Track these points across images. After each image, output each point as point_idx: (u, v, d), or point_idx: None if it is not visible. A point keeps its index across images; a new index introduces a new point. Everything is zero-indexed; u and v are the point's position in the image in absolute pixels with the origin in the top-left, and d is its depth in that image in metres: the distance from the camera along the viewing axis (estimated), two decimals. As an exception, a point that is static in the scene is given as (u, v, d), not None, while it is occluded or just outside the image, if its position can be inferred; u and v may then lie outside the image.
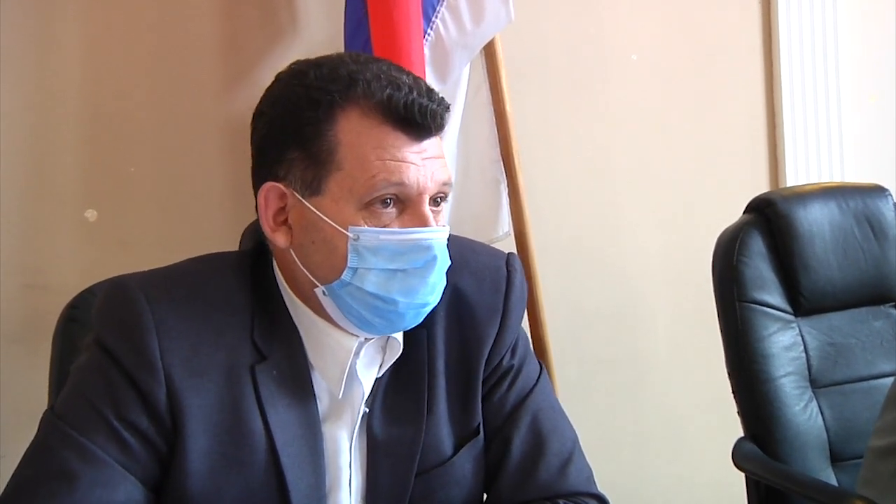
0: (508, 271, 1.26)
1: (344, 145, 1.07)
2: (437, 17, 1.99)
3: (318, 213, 1.08)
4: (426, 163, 1.09)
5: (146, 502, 1.07)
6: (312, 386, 1.14)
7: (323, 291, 1.10)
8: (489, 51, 2.09)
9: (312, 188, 1.09)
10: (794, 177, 2.46)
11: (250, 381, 1.11)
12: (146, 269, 1.18)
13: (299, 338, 1.15)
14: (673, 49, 2.41)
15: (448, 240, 1.24)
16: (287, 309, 1.15)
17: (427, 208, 1.10)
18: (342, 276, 1.08)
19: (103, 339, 1.09)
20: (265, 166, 1.13)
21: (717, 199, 2.39)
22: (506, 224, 2.13)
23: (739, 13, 2.46)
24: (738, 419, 1.82)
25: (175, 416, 1.07)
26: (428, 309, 1.13)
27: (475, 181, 2.14)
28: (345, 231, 1.07)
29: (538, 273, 2.13)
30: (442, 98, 1.12)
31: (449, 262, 1.14)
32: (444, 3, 1.99)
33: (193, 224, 2.05)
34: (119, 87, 2.03)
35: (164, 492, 1.09)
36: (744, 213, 1.88)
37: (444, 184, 1.12)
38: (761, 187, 2.43)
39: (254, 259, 1.18)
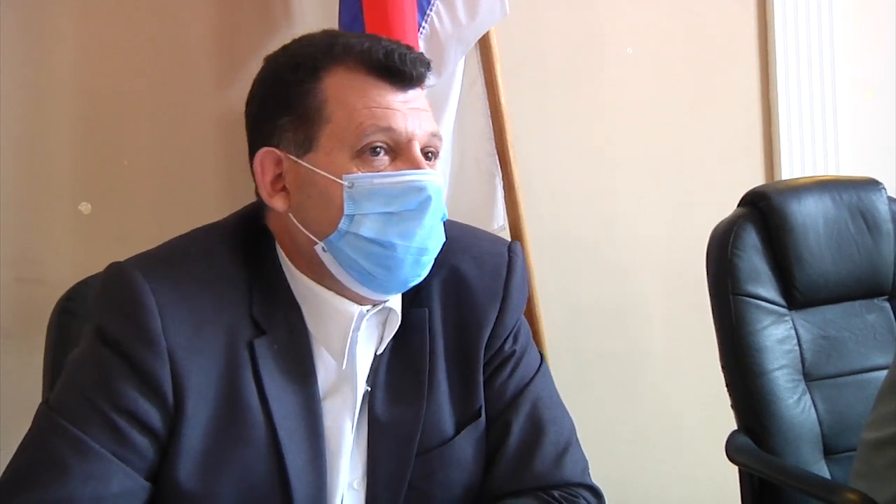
0: (510, 257, 1.27)
1: (330, 99, 1.11)
2: (431, 10, 1.99)
3: (312, 167, 1.11)
4: (412, 112, 1.12)
5: (142, 492, 1.07)
6: (313, 361, 1.15)
7: (323, 248, 1.12)
8: (484, 44, 2.09)
9: (305, 146, 1.11)
10: (790, 171, 2.46)
11: (248, 357, 1.11)
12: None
13: (300, 312, 1.15)
14: (668, 43, 2.41)
15: (451, 225, 1.24)
16: (287, 282, 1.16)
17: (418, 153, 1.12)
18: (339, 226, 1.10)
19: (103, 324, 1.09)
20: (259, 141, 1.15)
21: (713, 192, 2.39)
22: (500, 218, 2.13)
23: (736, 6, 2.46)
24: (732, 412, 1.82)
25: (178, 395, 1.07)
26: (427, 259, 1.14)
27: (470, 175, 2.14)
28: (339, 180, 1.09)
29: (533, 267, 2.13)
30: (422, 53, 1.16)
31: (445, 212, 1.15)
32: (439, -3, 1.99)
33: (188, 217, 2.00)
34: (113, 80, 2.02)
35: (164, 473, 1.08)
36: (738, 206, 1.88)
37: (434, 135, 1.15)
38: (757, 181, 2.43)
39: (244, 232, 1.18)
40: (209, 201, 2.05)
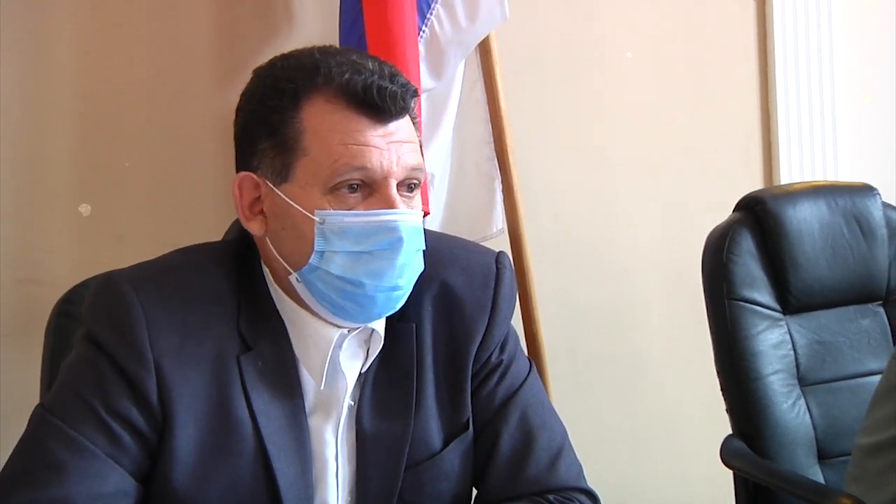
0: (498, 268, 1.26)
1: (308, 131, 1.09)
2: (431, 13, 1.99)
3: (286, 199, 1.10)
4: (392, 146, 1.10)
5: (135, 493, 1.08)
6: (299, 378, 1.16)
7: (296, 278, 1.12)
8: (484, 48, 2.09)
9: (282, 175, 1.11)
10: (788, 175, 2.46)
11: (237, 371, 1.12)
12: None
13: (285, 329, 1.16)
14: (668, 47, 2.42)
15: (439, 237, 1.24)
16: (272, 300, 1.17)
17: (394, 191, 1.10)
18: (310, 261, 1.10)
19: (94, 332, 1.11)
20: (242, 159, 1.16)
21: (712, 196, 2.38)
22: (500, 221, 2.14)
23: (735, 11, 2.46)
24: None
25: (165, 405, 1.08)
26: (400, 294, 1.14)
27: (469, 178, 2.15)
28: (311, 216, 1.09)
29: (532, 269, 2.14)
30: (406, 82, 1.13)
31: (422, 247, 1.14)
32: (439, 0, 1.99)
33: (187, 219, 2.05)
34: (113, 82, 2.03)
35: (152, 482, 1.10)
36: (734, 211, 1.89)
37: (414, 169, 1.12)
38: (755, 185, 2.43)
39: (237, 250, 1.20)
40: (209, 203, 2.05)
